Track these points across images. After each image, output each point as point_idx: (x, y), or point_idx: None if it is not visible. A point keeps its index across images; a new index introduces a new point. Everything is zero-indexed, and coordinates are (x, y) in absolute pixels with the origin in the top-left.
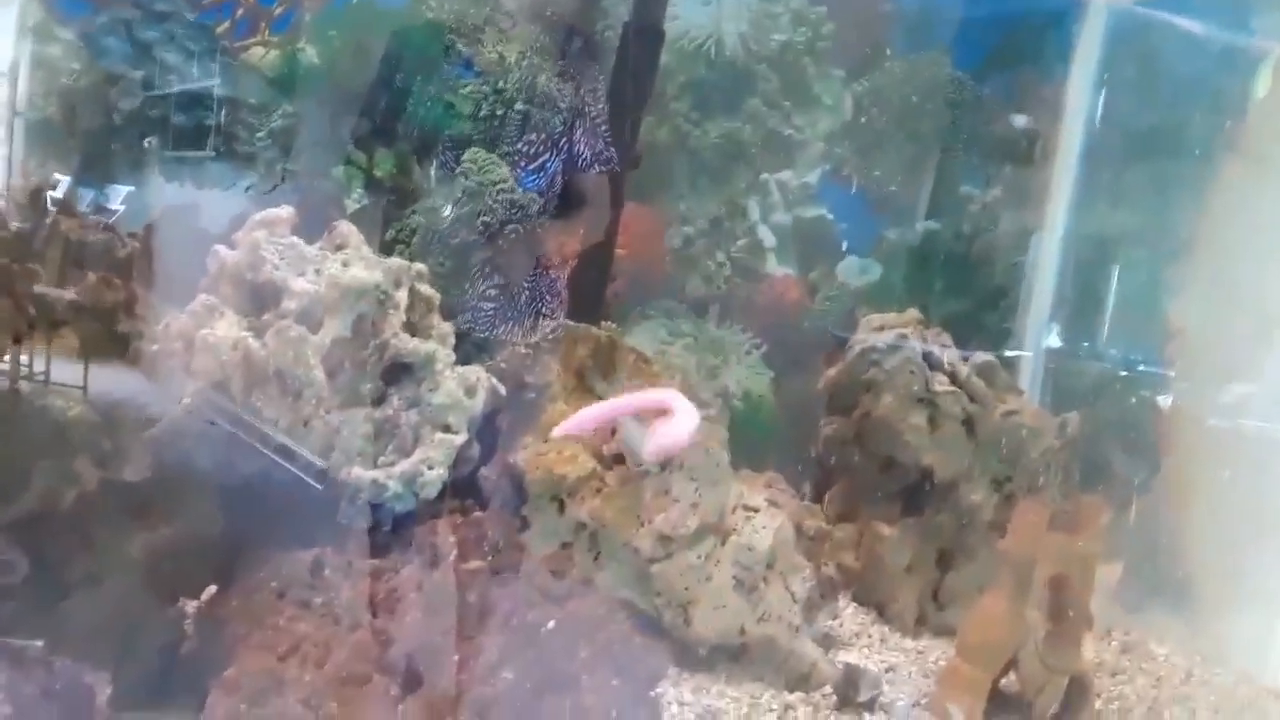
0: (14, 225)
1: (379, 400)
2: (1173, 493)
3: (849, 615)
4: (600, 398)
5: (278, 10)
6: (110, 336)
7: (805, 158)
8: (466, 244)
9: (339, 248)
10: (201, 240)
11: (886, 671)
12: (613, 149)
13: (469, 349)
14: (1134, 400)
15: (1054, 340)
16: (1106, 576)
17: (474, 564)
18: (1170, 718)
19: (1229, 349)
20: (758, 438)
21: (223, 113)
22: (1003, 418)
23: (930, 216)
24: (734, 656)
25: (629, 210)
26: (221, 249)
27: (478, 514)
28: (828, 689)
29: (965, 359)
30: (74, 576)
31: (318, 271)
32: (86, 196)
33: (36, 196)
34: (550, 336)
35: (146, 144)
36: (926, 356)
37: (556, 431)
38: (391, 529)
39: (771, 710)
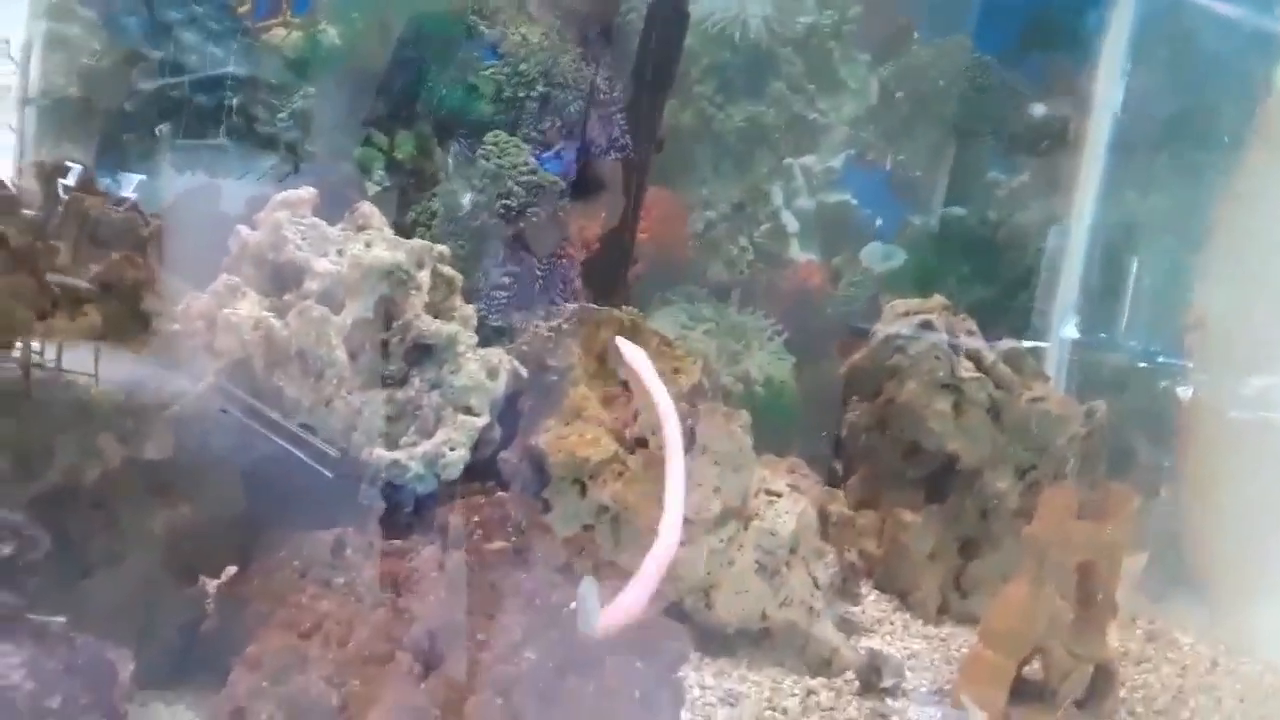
0: (35, 203)
1: (401, 381)
2: (1195, 483)
3: (871, 602)
4: (623, 382)
5: None
6: (133, 315)
7: (829, 142)
8: (487, 227)
9: (361, 228)
10: (221, 221)
11: (909, 658)
12: (634, 133)
13: (489, 331)
14: (1158, 390)
15: (1079, 328)
16: (1131, 566)
17: (497, 544)
18: (1195, 706)
19: (1251, 339)
20: (779, 423)
21: (243, 93)
22: (1028, 404)
23: (956, 202)
24: (755, 641)
25: (651, 194)
26: (244, 229)
27: (500, 495)
28: (850, 674)
29: (991, 345)
30: (96, 554)
31: (340, 252)
32: (106, 175)
33: (54, 174)
34: (572, 319)
35: (165, 124)
36: (952, 342)
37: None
38: (413, 510)
39: (794, 695)
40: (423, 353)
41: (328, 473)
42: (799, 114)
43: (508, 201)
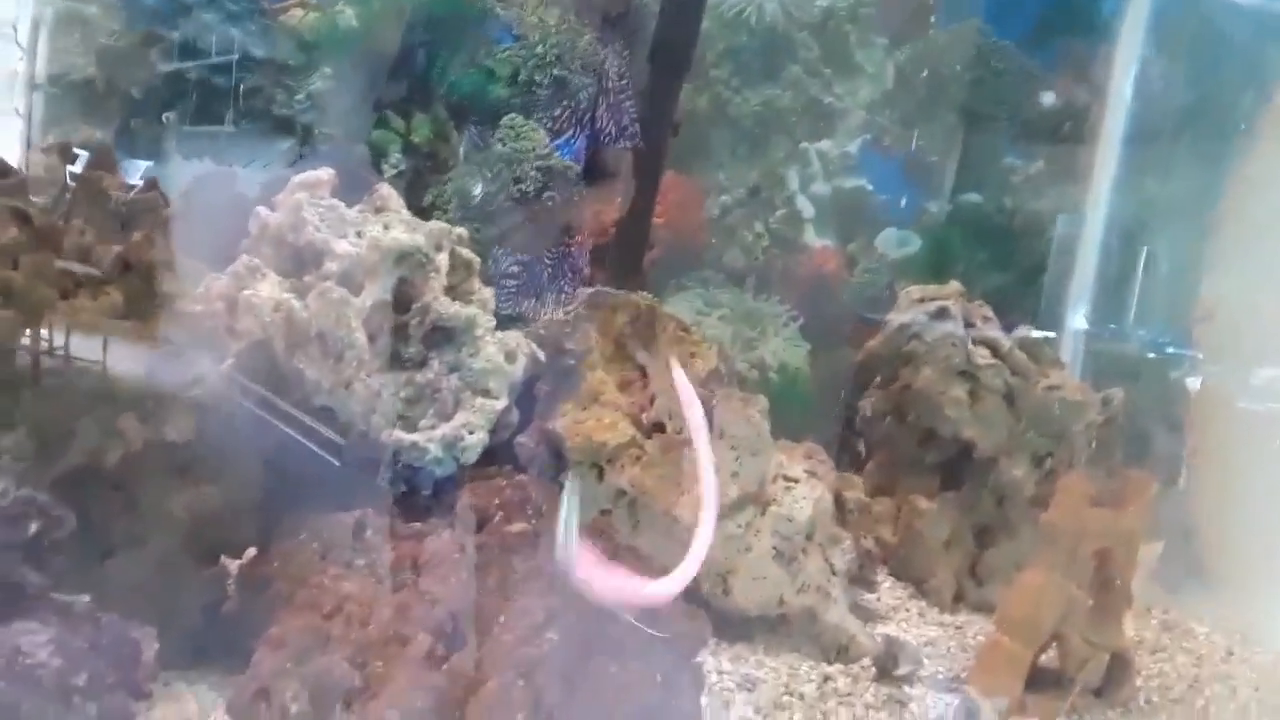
0: (47, 186)
1: (419, 364)
2: (1207, 473)
3: (886, 589)
4: (640, 367)
5: None
6: (153, 296)
7: (846, 127)
8: (503, 210)
9: (379, 210)
10: (239, 201)
11: (925, 645)
12: (650, 117)
13: (503, 315)
14: (1172, 379)
15: (1094, 316)
16: (1146, 555)
17: (518, 526)
18: (1210, 695)
19: (1261, 330)
20: (794, 409)
21: (260, 75)
22: (1045, 392)
23: (971, 188)
24: (772, 627)
25: (667, 179)
26: (263, 210)
27: (521, 478)
28: (866, 661)
29: (1007, 332)
30: (118, 534)
31: (359, 234)
32: (125, 155)
33: (67, 157)
34: (589, 304)
35: (182, 105)
36: (968, 329)
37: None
38: (431, 493)
39: (811, 680)
40: (441, 335)
41: (334, 459)
42: (815, 98)
43: (523, 185)
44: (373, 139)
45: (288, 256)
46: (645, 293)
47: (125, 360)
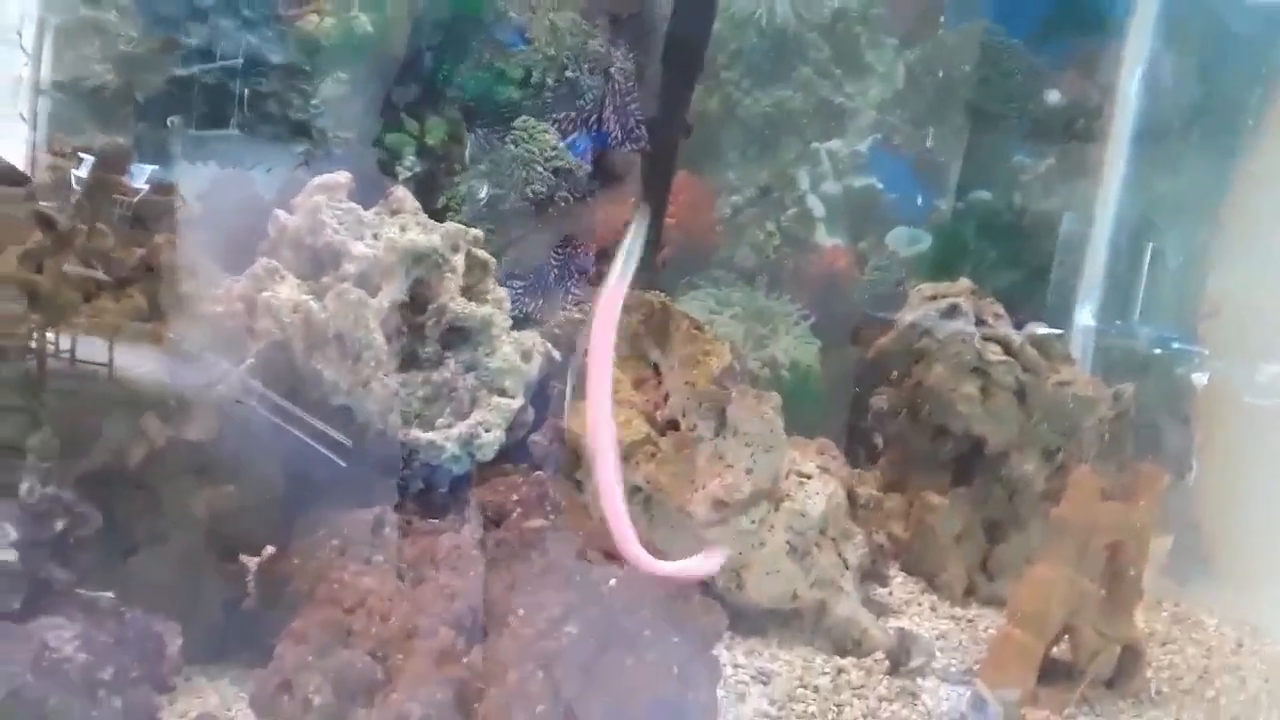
0: (78, 188)
1: (436, 364)
2: (1215, 467)
3: (898, 584)
4: (654, 365)
5: None
6: (175, 298)
7: (856, 127)
8: (516, 211)
9: (395, 212)
10: (255, 203)
11: (937, 639)
12: (662, 118)
13: (521, 317)
14: (1180, 375)
15: (1104, 312)
16: (1156, 548)
17: (536, 522)
18: (1220, 686)
19: (1266, 325)
20: (805, 407)
21: (276, 80)
22: (1055, 388)
23: (981, 187)
24: (786, 621)
25: (679, 179)
26: (281, 213)
27: (539, 474)
28: (879, 654)
29: (1019, 326)
30: (141, 532)
31: (375, 236)
32: (141, 160)
33: (72, 156)
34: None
35: (197, 110)
36: (979, 326)
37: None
38: (448, 490)
39: (824, 674)
40: (458, 335)
41: (351, 458)
42: (825, 99)
43: (536, 186)
44: (388, 142)
45: (306, 258)
46: (658, 291)
47: (147, 361)
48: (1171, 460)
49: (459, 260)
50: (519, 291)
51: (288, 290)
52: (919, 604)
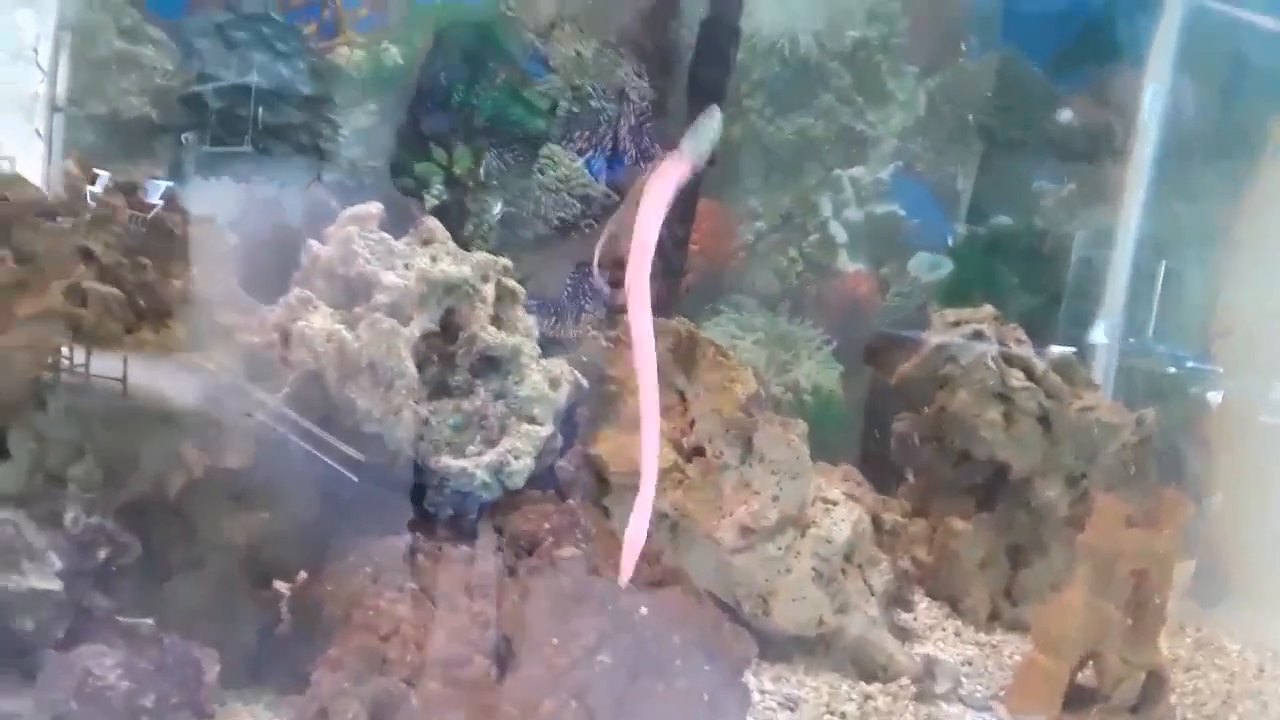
0: (121, 218)
1: (466, 392)
2: (1233, 490)
3: (923, 609)
4: (680, 391)
5: (362, 12)
6: (212, 329)
7: (878, 154)
8: (543, 238)
9: (426, 242)
10: (284, 230)
11: (963, 664)
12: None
13: (547, 342)
14: (1199, 396)
15: (1124, 335)
16: (1179, 573)
17: (568, 550)
18: (1243, 712)
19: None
20: (828, 432)
21: (308, 111)
22: (1079, 413)
23: (1003, 213)
24: (812, 647)
25: (702, 206)
26: (314, 243)
27: (569, 503)
28: (906, 680)
29: (1040, 353)
30: (177, 558)
31: (407, 266)
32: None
33: (87, 172)
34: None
35: (232, 140)
36: (1002, 352)
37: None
38: (477, 517)
39: (851, 700)
40: (488, 364)
41: (382, 485)
42: (847, 126)
43: (563, 214)
44: (417, 171)
45: (339, 288)
46: (682, 318)
47: (186, 391)
48: (1192, 483)
49: (489, 290)
50: (545, 316)
51: (321, 320)
52: (943, 629)
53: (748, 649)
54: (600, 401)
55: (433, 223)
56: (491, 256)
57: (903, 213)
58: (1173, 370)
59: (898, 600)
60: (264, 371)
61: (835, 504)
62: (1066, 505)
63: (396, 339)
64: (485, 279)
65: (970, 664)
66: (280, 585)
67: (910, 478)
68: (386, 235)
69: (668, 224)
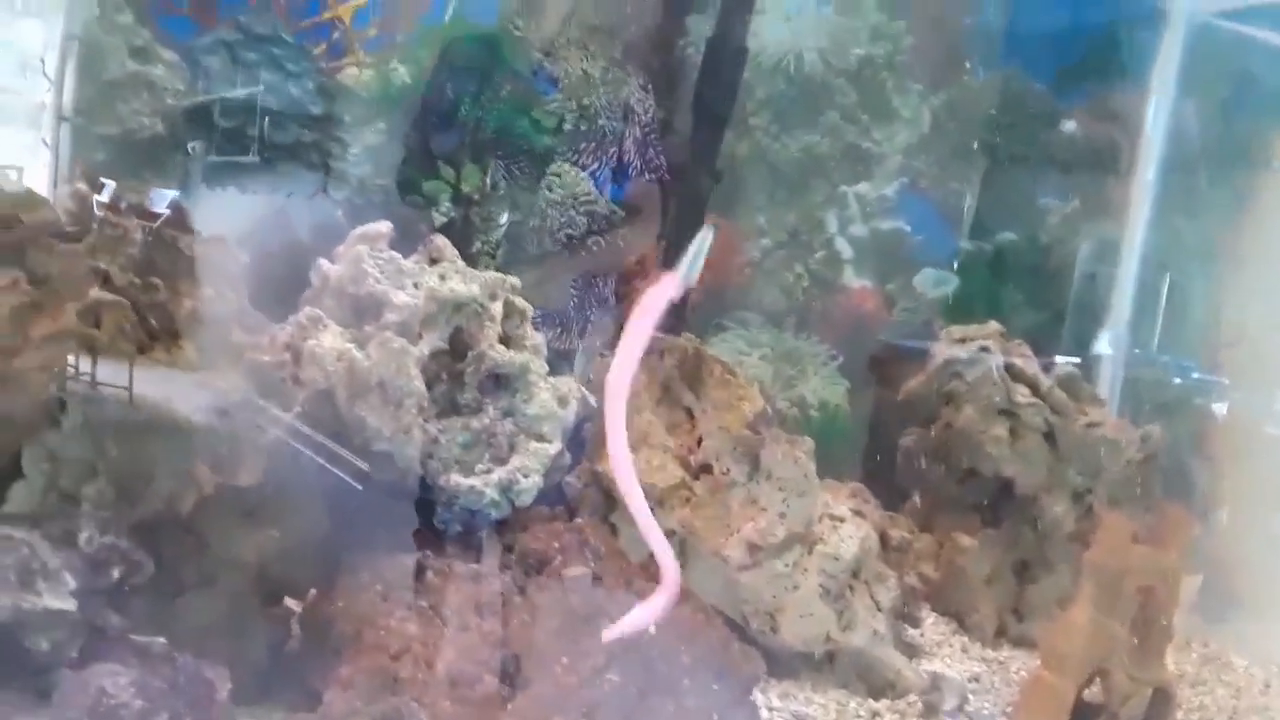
0: (133, 238)
1: (475, 410)
2: (1239, 503)
3: (930, 625)
4: (687, 408)
5: (371, 32)
6: (225, 348)
7: (883, 170)
8: (550, 256)
9: (434, 261)
10: (293, 252)
11: (970, 681)
12: (693, 164)
13: (554, 358)
14: (1206, 409)
15: (1129, 351)
16: (1186, 587)
17: (577, 569)
18: None
19: None
20: (834, 447)
21: (317, 130)
22: (1084, 429)
23: (1008, 228)
24: (820, 664)
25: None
26: (324, 263)
27: (578, 521)
28: (913, 697)
29: (1046, 368)
30: (188, 575)
31: (416, 285)
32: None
33: (94, 182)
34: None
35: (246, 160)
36: (1008, 368)
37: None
38: (486, 534)
39: (859, 716)
40: (496, 382)
41: (392, 502)
42: (853, 143)
43: (570, 231)
44: (425, 189)
45: (348, 307)
46: (689, 334)
47: (197, 410)
48: (1198, 497)
49: (497, 308)
50: (551, 329)
51: (331, 339)
52: (950, 645)
53: (756, 667)
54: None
55: (441, 241)
56: (500, 275)
57: (908, 229)
58: (1178, 383)
59: (905, 616)
60: (274, 390)
61: (842, 520)
62: (1072, 521)
63: (406, 358)
64: (494, 297)
65: (977, 680)
66: (291, 602)
67: (916, 494)
68: (396, 254)
69: (673, 242)
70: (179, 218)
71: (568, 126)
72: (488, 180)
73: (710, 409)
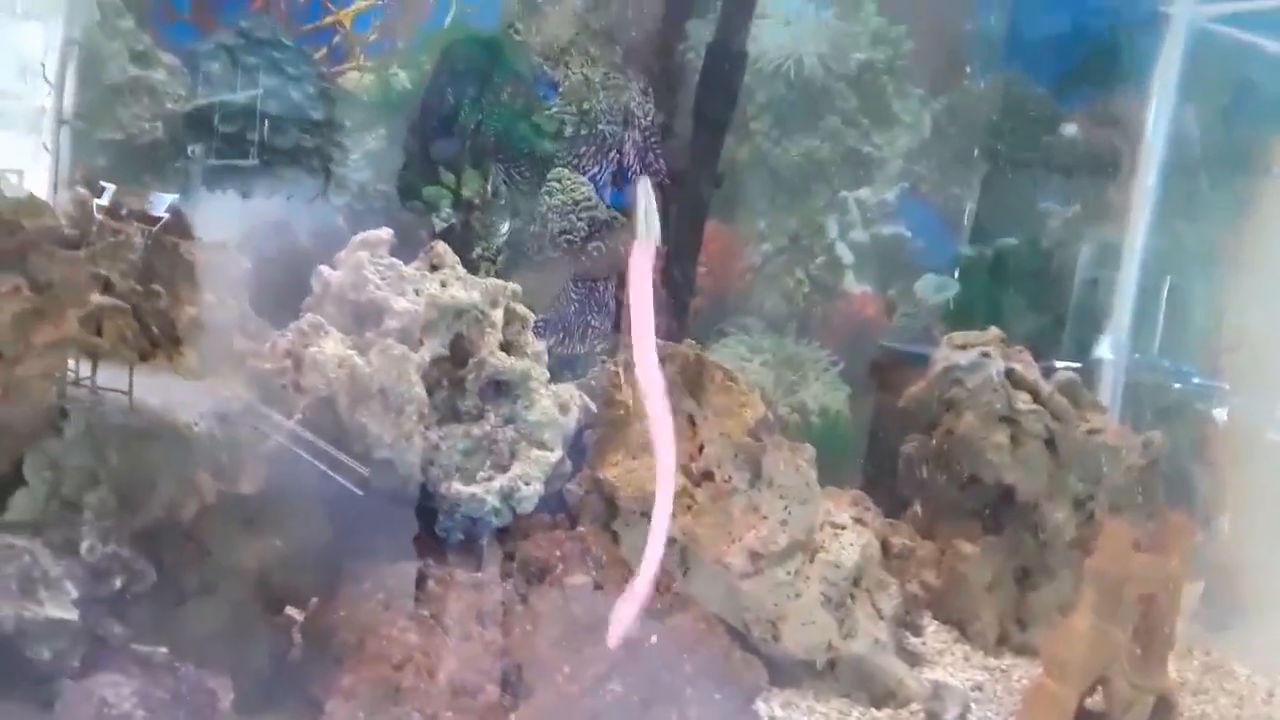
0: (134, 244)
1: (476, 417)
2: (1240, 509)
3: (931, 632)
4: (688, 415)
5: (371, 36)
6: (227, 355)
7: (884, 175)
8: (551, 261)
9: (435, 267)
10: (294, 257)
11: (972, 689)
12: (693, 169)
13: (555, 364)
14: (1207, 414)
15: (1131, 357)
16: (1187, 595)
17: (579, 578)
18: None
19: None
20: (834, 454)
21: (318, 135)
22: (1085, 436)
23: (1009, 234)
24: (821, 672)
25: (709, 228)
26: (325, 270)
27: (580, 530)
28: (915, 706)
29: (1047, 373)
30: (190, 584)
31: (417, 291)
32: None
33: (94, 187)
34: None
35: (246, 164)
36: (1009, 374)
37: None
38: (487, 542)
39: None
40: (497, 389)
41: (392, 510)
42: (853, 148)
43: (570, 236)
44: (425, 194)
45: (349, 314)
46: (689, 340)
47: (198, 416)
48: (1200, 504)
49: (498, 315)
50: (553, 334)
51: (332, 346)
52: (952, 653)
53: (758, 677)
54: (609, 425)
55: (442, 247)
56: (500, 282)
57: (909, 234)
58: (1179, 388)
59: (906, 624)
60: (276, 397)
61: (843, 528)
62: (1074, 528)
63: (407, 364)
64: (494, 304)
65: (979, 689)
66: (293, 611)
67: (917, 501)
68: (397, 261)
69: (674, 247)
70: (180, 223)
71: (568, 131)
72: (489, 186)
73: (711, 415)
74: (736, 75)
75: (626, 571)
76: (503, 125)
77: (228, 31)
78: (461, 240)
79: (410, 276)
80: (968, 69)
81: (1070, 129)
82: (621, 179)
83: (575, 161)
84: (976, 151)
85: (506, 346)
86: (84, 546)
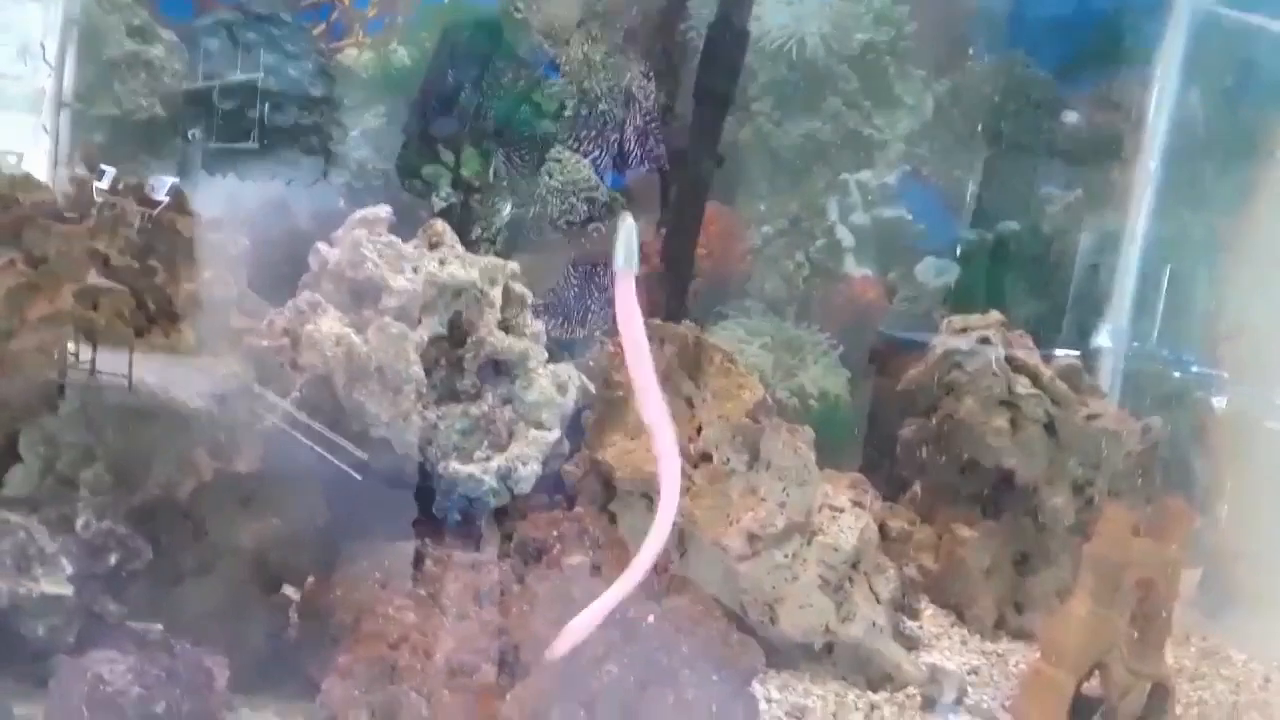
0: (131, 221)
1: (474, 396)
2: (1237, 497)
3: (929, 616)
4: (687, 397)
5: (371, 13)
6: (224, 332)
7: (885, 158)
8: (550, 242)
9: (434, 246)
10: (292, 235)
11: (969, 674)
12: (694, 150)
13: (554, 345)
14: (1206, 401)
15: (1131, 342)
16: (1185, 581)
17: (576, 559)
18: None
19: None
20: (834, 437)
21: (317, 112)
22: (1085, 421)
23: (1010, 217)
24: (819, 655)
25: (709, 210)
26: (323, 247)
27: (578, 510)
28: (912, 689)
29: (1047, 358)
30: (186, 562)
31: (415, 270)
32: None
33: (94, 169)
34: None
35: (244, 141)
36: (1009, 359)
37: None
38: (484, 522)
39: (858, 709)
40: (495, 368)
41: (389, 489)
42: (855, 130)
43: (570, 217)
44: (424, 173)
45: (346, 291)
46: (690, 322)
47: (195, 395)
48: (1198, 490)
49: (497, 294)
50: (552, 317)
51: (329, 323)
52: (949, 637)
53: (756, 659)
54: (607, 406)
55: (440, 225)
56: (499, 260)
57: (910, 217)
58: (1179, 375)
59: (904, 608)
60: (273, 375)
61: (842, 511)
62: (1073, 513)
63: (405, 343)
64: (493, 283)
65: (976, 673)
66: (289, 590)
67: (916, 485)
68: (395, 239)
69: (674, 228)
70: (177, 200)
71: (568, 111)
72: (490, 169)
73: (710, 398)
74: (738, 55)
75: (624, 552)
76: (503, 104)
77: (226, 7)
78: (461, 220)
79: (408, 254)
80: (970, 51)
81: (1073, 113)
82: (622, 161)
83: (575, 142)
84: (978, 134)
85: (505, 326)
86: (80, 523)
